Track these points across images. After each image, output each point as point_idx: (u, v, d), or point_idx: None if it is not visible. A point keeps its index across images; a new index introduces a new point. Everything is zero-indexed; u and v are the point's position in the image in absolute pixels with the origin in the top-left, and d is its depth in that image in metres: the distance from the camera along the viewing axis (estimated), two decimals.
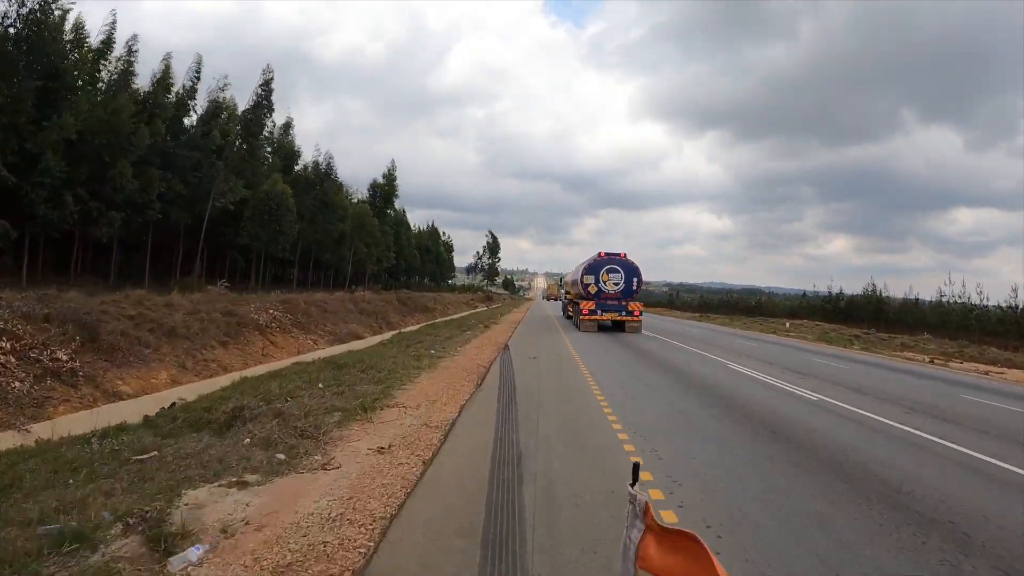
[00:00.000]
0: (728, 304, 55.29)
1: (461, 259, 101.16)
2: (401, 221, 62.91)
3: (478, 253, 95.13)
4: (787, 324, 37.01)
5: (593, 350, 15.47)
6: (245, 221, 33.03)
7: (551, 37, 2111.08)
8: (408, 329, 22.52)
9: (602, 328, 23.36)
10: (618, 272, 23.06)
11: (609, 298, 22.93)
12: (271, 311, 15.43)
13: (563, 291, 37.48)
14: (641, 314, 23.62)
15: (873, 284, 37.55)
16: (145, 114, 27.33)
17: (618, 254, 23.57)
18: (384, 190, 57.17)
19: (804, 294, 46.12)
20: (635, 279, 23.12)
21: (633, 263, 23.36)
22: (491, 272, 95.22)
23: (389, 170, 57.98)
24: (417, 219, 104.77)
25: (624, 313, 22.90)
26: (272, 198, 34.08)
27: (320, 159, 46.00)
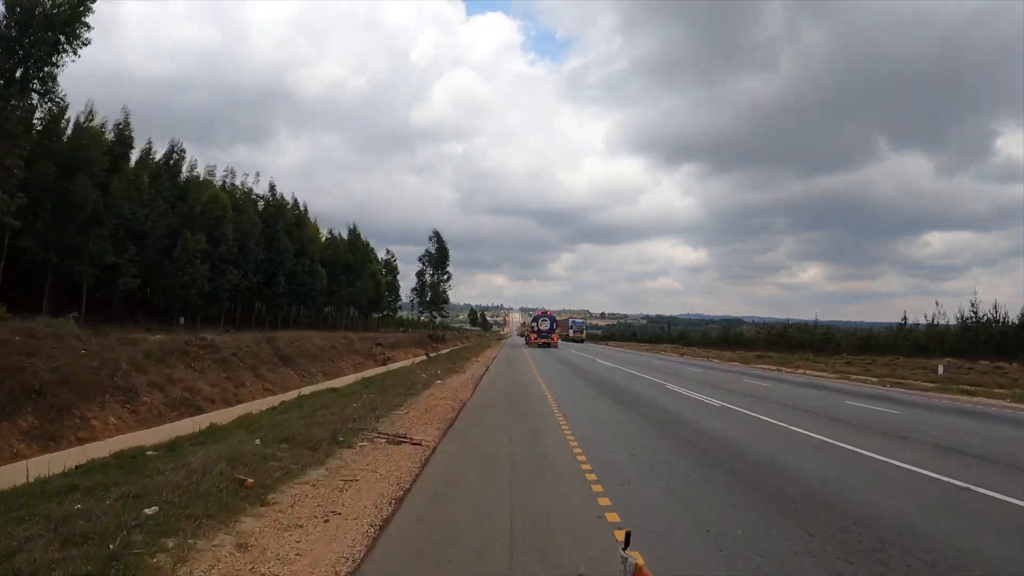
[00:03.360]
0: (773, 339, 38.68)
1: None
2: (292, 216, 41.85)
3: (420, 268, 58.70)
4: (940, 369, 20.54)
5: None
6: None
7: (529, 73, 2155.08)
8: None
9: (540, 347, 51.17)
10: (547, 320, 54.25)
11: (542, 333, 53.24)
12: None
13: (528, 330, 64.18)
14: (559, 340, 57.34)
15: None
16: None
17: (547, 311, 56.04)
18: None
19: (904, 321, 30.16)
20: (553, 322, 55.37)
21: (553, 314, 56.74)
22: (436, 298, 58.05)
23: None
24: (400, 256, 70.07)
25: (549, 339, 52.81)
26: None
27: None
